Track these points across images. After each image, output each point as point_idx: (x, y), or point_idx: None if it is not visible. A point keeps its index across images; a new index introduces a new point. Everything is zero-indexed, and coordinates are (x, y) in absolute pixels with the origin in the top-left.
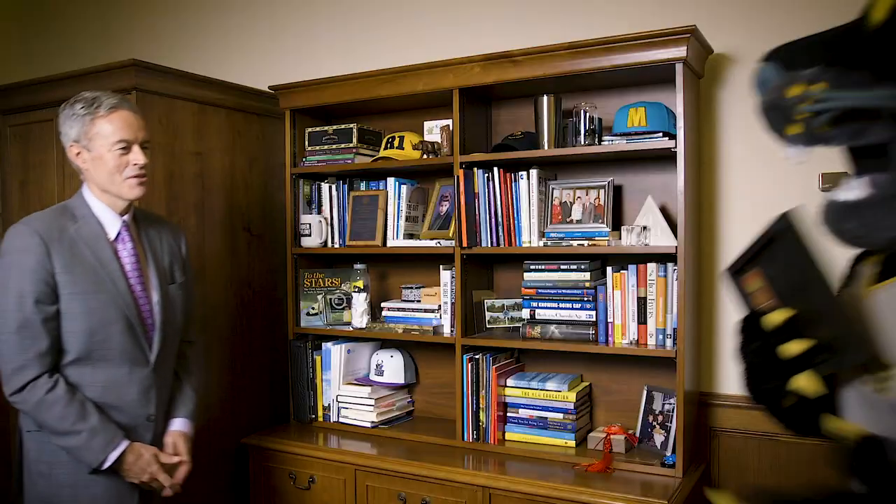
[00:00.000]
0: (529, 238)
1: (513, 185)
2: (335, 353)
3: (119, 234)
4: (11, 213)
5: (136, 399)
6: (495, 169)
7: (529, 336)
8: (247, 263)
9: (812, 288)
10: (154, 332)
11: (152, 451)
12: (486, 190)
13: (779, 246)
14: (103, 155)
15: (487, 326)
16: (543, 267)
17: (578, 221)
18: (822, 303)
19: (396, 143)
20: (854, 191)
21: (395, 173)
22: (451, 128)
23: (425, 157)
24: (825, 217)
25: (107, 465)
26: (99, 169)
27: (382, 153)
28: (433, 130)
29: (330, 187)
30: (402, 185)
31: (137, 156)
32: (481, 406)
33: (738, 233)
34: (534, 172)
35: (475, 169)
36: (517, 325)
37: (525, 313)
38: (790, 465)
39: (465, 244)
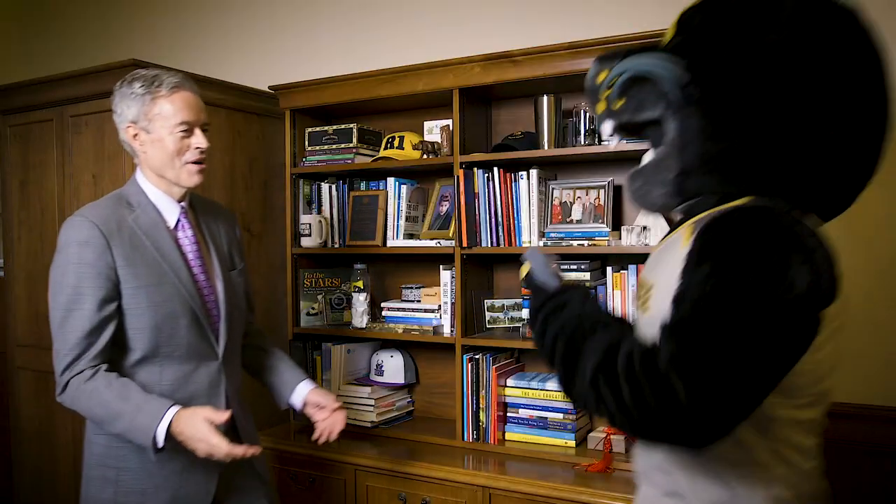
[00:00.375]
0: (529, 238)
1: (513, 185)
2: (335, 353)
3: (178, 221)
4: (11, 213)
5: (204, 394)
6: (495, 169)
7: (529, 336)
8: (247, 263)
9: None
10: (220, 323)
11: (202, 412)
12: (486, 190)
13: None
14: (163, 137)
15: (487, 326)
16: None
17: (578, 221)
18: None
19: (396, 143)
20: (644, 160)
21: (395, 173)
22: (451, 128)
23: (425, 157)
24: (627, 182)
25: (161, 440)
26: (157, 152)
27: (382, 153)
28: (433, 130)
29: (330, 187)
30: (402, 185)
31: (199, 139)
32: (481, 406)
33: None
34: (534, 172)
35: (475, 169)
36: (517, 325)
37: (525, 313)
38: None
39: (465, 244)
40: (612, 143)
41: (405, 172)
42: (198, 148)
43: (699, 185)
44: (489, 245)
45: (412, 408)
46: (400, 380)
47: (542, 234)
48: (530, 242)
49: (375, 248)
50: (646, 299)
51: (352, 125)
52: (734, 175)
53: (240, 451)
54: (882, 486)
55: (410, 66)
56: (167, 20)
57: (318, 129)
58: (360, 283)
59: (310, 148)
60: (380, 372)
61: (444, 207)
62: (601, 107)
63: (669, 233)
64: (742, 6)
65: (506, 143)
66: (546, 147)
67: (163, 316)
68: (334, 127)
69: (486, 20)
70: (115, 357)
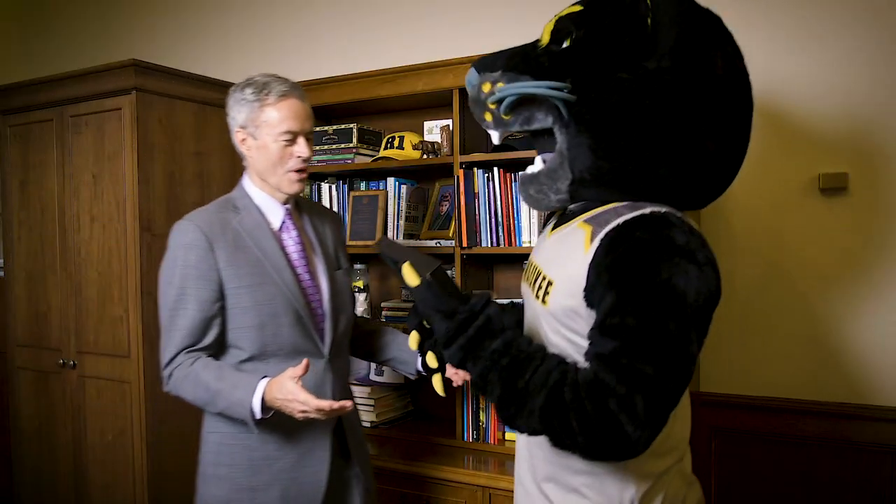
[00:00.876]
0: (529, 238)
1: (513, 185)
2: None
3: (283, 223)
4: (11, 213)
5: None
6: (495, 169)
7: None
8: None
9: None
10: (325, 322)
11: (287, 372)
12: (486, 190)
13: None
14: (268, 144)
15: None
16: None
17: None
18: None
19: (396, 143)
20: (535, 166)
21: (395, 173)
22: (451, 128)
23: (425, 157)
24: (519, 185)
25: (257, 410)
26: (262, 158)
27: (382, 153)
28: (433, 130)
29: (330, 187)
30: (402, 185)
31: (302, 148)
32: (481, 406)
33: (739, 232)
34: None
35: (475, 169)
36: None
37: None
38: (790, 465)
39: (465, 244)
40: (496, 139)
41: (405, 172)
42: (299, 157)
43: (592, 194)
44: (489, 245)
45: (412, 408)
46: (400, 380)
47: None
48: (530, 242)
49: (375, 248)
50: (546, 293)
51: (352, 125)
52: (626, 188)
53: (325, 404)
54: (882, 486)
55: (410, 66)
56: (167, 20)
57: (318, 128)
58: (360, 283)
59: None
60: (380, 372)
61: (444, 207)
62: (488, 116)
63: (560, 223)
64: (622, 28)
65: (506, 143)
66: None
67: (266, 315)
68: (334, 127)
69: (486, 20)
70: (223, 357)
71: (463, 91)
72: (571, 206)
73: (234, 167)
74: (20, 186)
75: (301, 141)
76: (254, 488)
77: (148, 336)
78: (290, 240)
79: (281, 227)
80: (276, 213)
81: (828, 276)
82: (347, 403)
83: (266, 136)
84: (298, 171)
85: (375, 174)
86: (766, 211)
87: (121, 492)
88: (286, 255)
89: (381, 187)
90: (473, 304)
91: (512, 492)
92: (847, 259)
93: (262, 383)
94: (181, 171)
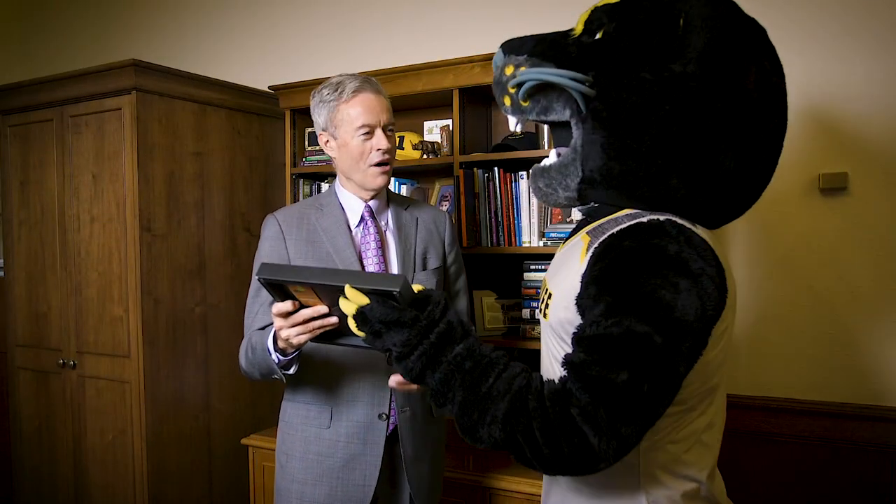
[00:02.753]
0: (529, 238)
1: (513, 185)
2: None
3: (362, 220)
4: (11, 213)
5: (367, 394)
6: (495, 169)
7: (529, 336)
8: (247, 263)
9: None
10: None
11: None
12: (486, 190)
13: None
14: (348, 142)
15: (487, 326)
16: (543, 267)
17: (579, 221)
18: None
19: (396, 143)
20: (549, 159)
21: (395, 173)
22: (451, 128)
23: (425, 157)
24: (530, 177)
25: (271, 349)
26: (344, 156)
27: None
28: (433, 130)
29: (330, 187)
30: (402, 185)
31: (380, 140)
32: None
33: (740, 231)
34: None
35: (475, 169)
36: (517, 325)
37: (525, 313)
38: (790, 465)
39: (465, 244)
40: (514, 123)
41: (405, 172)
42: (379, 149)
43: (601, 196)
44: (489, 245)
45: None
46: None
47: (542, 234)
48: (530, 242)
49: None
50: (546, 305)
51: None
52: (634, 194)
53: (281, 307)
54: (882, 486)
55: (410, 66)
56: (167, 20)
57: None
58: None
59: (310, 148)
60: None
61: (444, 207)
62: (507, 101)
63: (571, 235)
64: (653, 25)
65: (506, 143)
66: (546, 147)
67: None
68: None
69: (486, 20)
70: None
71: (463, 91)
72: (580, 218)
73: (233, 167)
74: (20, 186)
75: (379, 133)
76: (303, 481)
77: (148, 336)
78: (368, 238)
79: (359, 225)
80: (356, 211)
81: (827, 277)
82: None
83: (345, 134)
84: (380, 164)
85: None
86: (766, 211)
87: (121, 492)
88: (358, 253)
89: None
90: (431, 311)
91: (512, 492)
92: (847, 259)
93: (272, 330)
94: (181, 171)
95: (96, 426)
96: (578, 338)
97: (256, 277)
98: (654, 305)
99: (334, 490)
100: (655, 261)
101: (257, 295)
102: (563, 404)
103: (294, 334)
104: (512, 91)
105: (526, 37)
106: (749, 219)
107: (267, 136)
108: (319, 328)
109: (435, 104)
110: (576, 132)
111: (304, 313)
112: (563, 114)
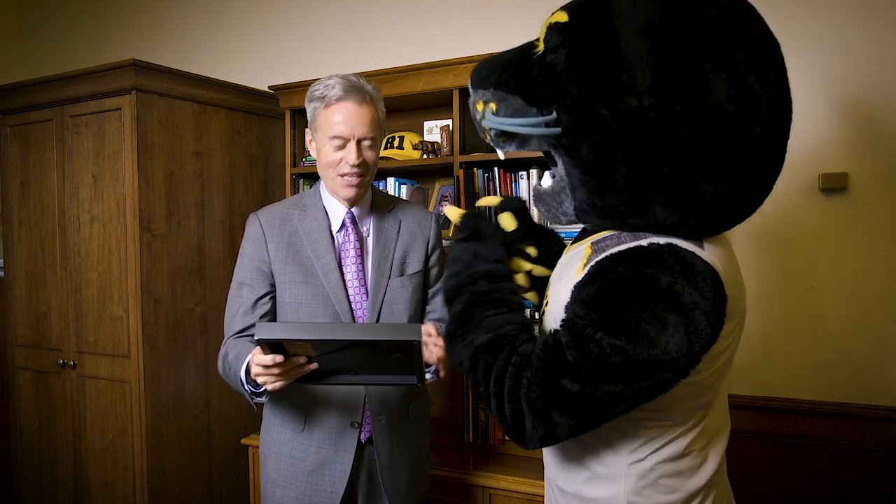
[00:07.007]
0: None
1: (513, 185)
2: None
3: (343, 225)
4: (11, 213)
5: (341, 402)
6: (495, 169)
7: None
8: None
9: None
10: None
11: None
12: (487, 190)
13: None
14: (321, 148)
15: None
16: None
17: None
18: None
19: (396, 143)
20: (544, 182)
21: (395, 173)
22: (451, 128)
23: (425, 157)
24: (533, 199)
25: (244, 379)
26: (320, 160)
27: (382, 153)
28: (433, 130)
29: None
30: (402, 185)
31: (350, 154)
32: (481, 406)
33: (740, 231)
34: (534, 172)
35: (475, 169)
36: None
37: (525, 313)
38: (790, 465)
39: None
40: (500, 155)
41: (405, 172)
42: (348, 163)
43: (596, 222)
44: None
45: None
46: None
47: None
48: None
49: None
50: (543, 312)
51: None
52: (625, 223)
53: (264, 359)
54: (882, 486)
55: (410, 66)
56: (167, 20)
57: None
58: None
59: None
60: None
61: (445, 207)
62: (487, 136)
63: (578, 239)
64: (599, 59)
65: None
66: None
67: (304, 314)
68: None
69: (486, 20)
70: None
71: (463, 91)
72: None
73: (233, 167)
74: (20, 186)
75: (351, 146)
76: (275, 482)
77: (148, 336)
78: (347, 242)
79: (340, 230)
80: (337, 215)
81: (827, 277)
82: (278, 358)
83: (321, 140)
84: (348, 175)
85: (375, 174)
86: (766, 211)
87: (121, 492)
88: (338, 257)
89: (381, 187)
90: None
91: (512, 492)
92: (847, 259)
93: (245, 360)
94: (181, 170)
95: (96, 426)
96: (564, 325)
97: (254, 340)
98: (635, 341)
99: (303, 494)
100: (645, 293)
101: (238, 294)
102: (520, 371)
103: (271, 380)
104: (488, 129)
105: (493, 62)
106: (749, 219)
107: (267, 136)
108: (299, 374)
109: (435, 104)
110: (559, 161)
111: (284, 366)
112: (539, 148)
